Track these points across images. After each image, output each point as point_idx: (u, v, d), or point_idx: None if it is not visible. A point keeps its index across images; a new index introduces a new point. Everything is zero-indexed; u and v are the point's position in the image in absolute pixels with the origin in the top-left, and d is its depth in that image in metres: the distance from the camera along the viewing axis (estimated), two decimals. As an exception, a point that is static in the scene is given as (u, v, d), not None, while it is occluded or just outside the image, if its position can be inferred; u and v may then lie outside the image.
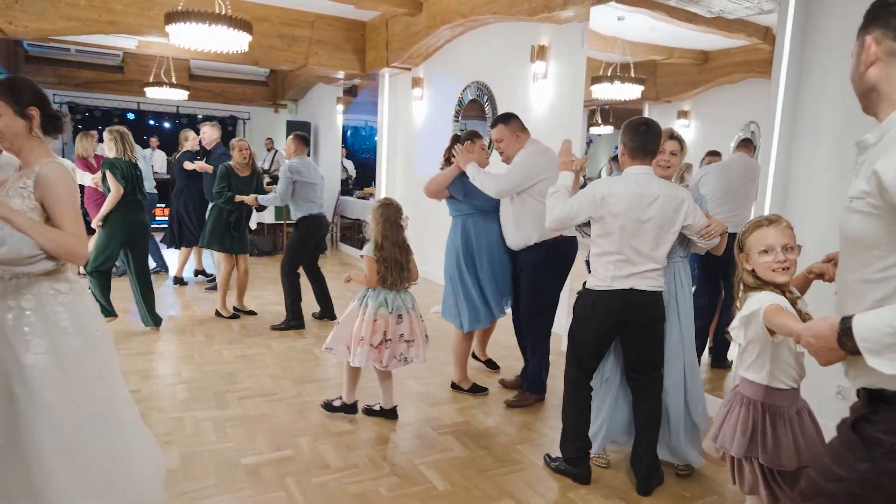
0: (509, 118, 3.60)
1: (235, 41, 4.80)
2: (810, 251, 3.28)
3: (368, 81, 8.93)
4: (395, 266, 3.08)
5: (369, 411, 3.37)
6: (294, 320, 5.11)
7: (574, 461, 2.77)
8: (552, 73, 5.27)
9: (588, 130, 5.12)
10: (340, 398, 3.33)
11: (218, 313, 5.35)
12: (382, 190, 8.48)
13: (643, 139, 2.59)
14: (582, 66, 4.80)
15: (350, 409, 3.33)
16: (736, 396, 2.07)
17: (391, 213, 3.10)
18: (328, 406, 3.34)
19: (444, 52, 7.01)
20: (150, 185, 7.03)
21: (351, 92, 10.00)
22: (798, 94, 3.36)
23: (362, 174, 10.57)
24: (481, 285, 3.66)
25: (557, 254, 3.49)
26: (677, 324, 2.80)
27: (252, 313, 5.47)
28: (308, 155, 5.25)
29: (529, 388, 3.68)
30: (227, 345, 4.60)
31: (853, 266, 1.29)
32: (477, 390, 3.81)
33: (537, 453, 3.04)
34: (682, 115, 4.88)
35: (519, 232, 3.52)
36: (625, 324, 2.65)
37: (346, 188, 10.43)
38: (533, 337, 3.65)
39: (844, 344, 1.21)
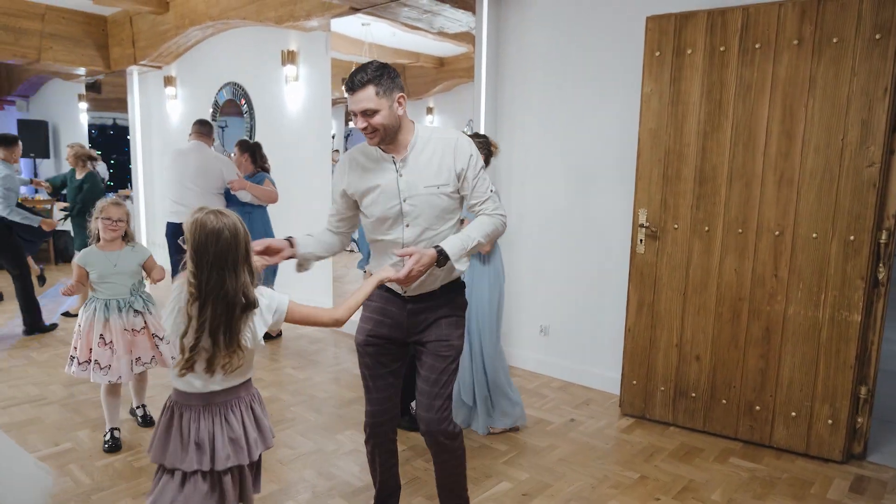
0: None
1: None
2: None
3: (115, 78, 8.47)
4: None
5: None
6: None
7: None
8: (303, 75, 5.76)
9: (347, 125, 5.73)
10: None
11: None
12: (140, 191, 8.20)
13: None
14: (328, 70, 5.38)
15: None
16: None
17: None
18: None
19: (196, 52, 7.05)
20: None
21: (94, 88, 9.32)
22: (497, 97, 4.35)
23: (114, 176, 9.88)
24: None
25: None
26: None
27: None
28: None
29: None
30: (-24, 363, 4.34)
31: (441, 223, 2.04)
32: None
33: (307, 409, 3.59)
34: (429, 111, 5.81)
35: None
36: None
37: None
38: None
39: (441, 261, 1.93)
